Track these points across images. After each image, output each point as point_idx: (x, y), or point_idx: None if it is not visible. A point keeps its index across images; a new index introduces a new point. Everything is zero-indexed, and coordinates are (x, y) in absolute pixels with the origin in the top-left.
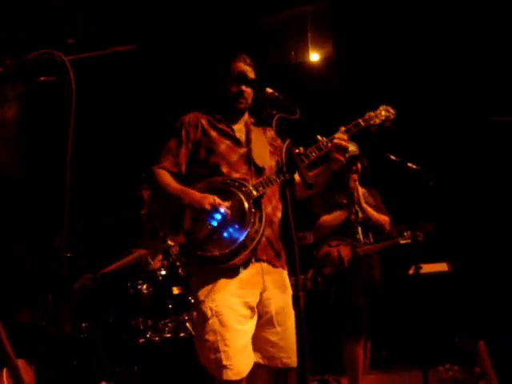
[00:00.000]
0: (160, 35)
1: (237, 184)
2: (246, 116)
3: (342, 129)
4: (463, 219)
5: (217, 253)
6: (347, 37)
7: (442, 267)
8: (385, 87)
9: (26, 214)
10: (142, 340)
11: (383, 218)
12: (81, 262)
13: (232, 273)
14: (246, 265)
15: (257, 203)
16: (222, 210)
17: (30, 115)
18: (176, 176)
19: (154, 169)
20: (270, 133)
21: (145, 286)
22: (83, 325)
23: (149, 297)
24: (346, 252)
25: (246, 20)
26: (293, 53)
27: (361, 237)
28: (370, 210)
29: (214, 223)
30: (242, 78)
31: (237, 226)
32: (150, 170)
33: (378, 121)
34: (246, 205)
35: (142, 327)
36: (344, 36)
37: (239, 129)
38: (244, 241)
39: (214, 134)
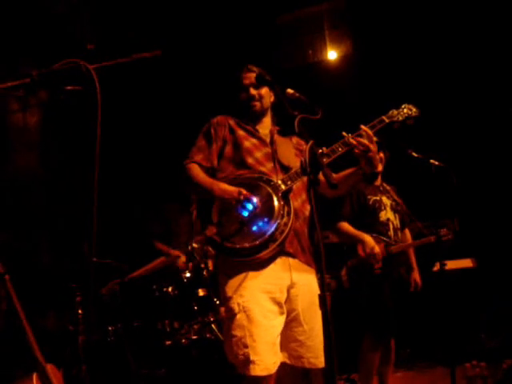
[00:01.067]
0: (181, 40)
1: (264, 178)
2: (269, 125)
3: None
4: (487, 215)
5: (247, 244)
6: (365, 34)
7: (466, 263)
8: (404, 84)
9: (49, 219)
10: (168, 342)
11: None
12: (108, 267)
13: (260, 268)
14: (273, 258)
15: (285, 197)
16: (254, 199)
17: (52, 122)
18: (207, 171)
19: (185, 163)
20: (296, 139)
21: (170, 289)
22: (110, 328)
23: (174, 299)
24: (379, 250)
25: (263, 20)
26: (311, 52)
27: (392, 234)
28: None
29: (245, 213)
30: (249, 84)
31: (266, 219)
32: (181, 166)
33: (400, 118)
34: (275, 198)
35: (168, 329)
36: (362, 33)
37: (265, 133)
38: (273, 233)
39: (241, 132)
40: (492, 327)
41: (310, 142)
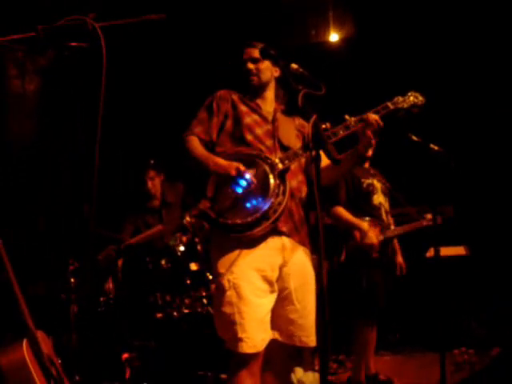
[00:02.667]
0: (186, 11)
1: (262, 156)
2: (272, 101)
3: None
4: (482, 203)
5: (238, 221)
6: (369, 18)
7: (459, 251)
8: (406, 71)
9: (46, 186)
10: (159, 315)
11: None
12: (104, 233)
13: (252, 245)
14: (266, 236)
15: (281, 176)
16: (248, 176)
17: (50, 87)
18: (206, 145)
19: (184, 136)
20: (299, 121)
21: (163, 262)
22: (101, 299)
23: (167, 272)
24: (376, 233)
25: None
26: (313, 32)
27: (385, 218)
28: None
29: (239, 190)
30: (247, 58)
31: (260, 196)
32: (181, 138)
33: (405, 105)
34: (271, 176)
35: (160, 302)
36: (365, 17)
37: (268, 111)
38: (267, 211)
39: (243, 107)
40: (481, 315)
41: (314, 117)
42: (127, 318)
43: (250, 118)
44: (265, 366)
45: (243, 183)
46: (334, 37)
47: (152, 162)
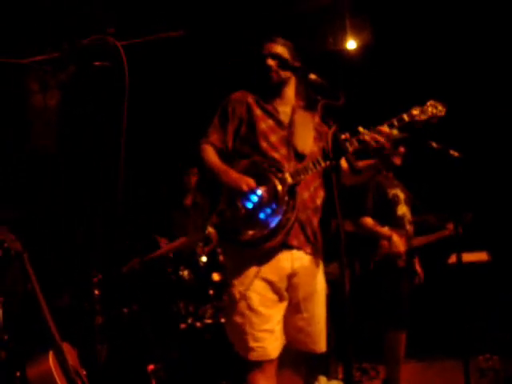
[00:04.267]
0: (202, 24)
1: (274, 169)
2: (291, 98)
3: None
4: (503, 208)
5: (247, 237)
6: (386, 25)
7: (481, 256)
8: (424, 76)
9: (67, 198)
10: (183, 325)
11: None
12: (129, 246)
13: (261, 257)
14: (275, 250)
15: (291, 190)
16: (259, 192)
17: (71, 102)
18: (221, 152)
19: (200, 143)
20: (318, 118)
21: (186, 272)
22: (125, 310)
23: (190, 283)
24: (402, 243)
25: (283, 6)
26: (331, 39)
27: (408, 228)
28: None
29: (249, 205)
30: (267, 54)
31: (269, 212)
32: (197, 143)
33: (423, 117)
34: (280, 192)
35: (183, 313)
36: (383, 24)
37: (284, 111)
38: (275, 227)
39: (258, 112)
40: (506, 321)
41: (333, 128)
42: (151, 329)
43: (264, 124)
44: (280, 368)
45: (254, 199)
46: (351, 44)
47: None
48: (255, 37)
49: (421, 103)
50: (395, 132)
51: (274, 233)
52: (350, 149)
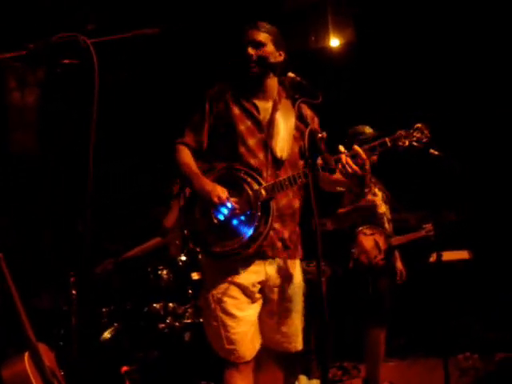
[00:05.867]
0: (181, 20)
1: (249, 180)
2: (274, 89)
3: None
4: (484, 207)
5: (218, 249)
6: (368, 22)
7: (462, 255)
8: (407, 74)
9: (44, 197)
10: (161, 325)
11: None
12: (102, 246)
13: (235, 264)
14: (248, 260)
15: (265, 205)
16: (229, 205)
17: (49, 100)
18: (197, 152)
19: (176, 143)
20: (302, 110)
21: (165, 272)
22: (103, 310)
23: (169, 282)
24: (381, 241)
25: (268, 4)
26: (313, 37)
27: (387, 226)
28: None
29: (221, 217)
30: (247, 42)
31: (241, 225)
32: (173, 143)
33: (407, 142)
34: (253, 207)
35: (162, 312)
36: (365, 21)
37: (265, 108)
38: (247, 241)
39: (236, 111)
40: (486, 319)
41: (309, 127)
42: (129, 329)
43: (243, 126)
44: (259, 368)
45: (224, 211)
46: (334, 42)
47: None
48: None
49: (403, 101)
50: (374, 158)
51: (246, 246)
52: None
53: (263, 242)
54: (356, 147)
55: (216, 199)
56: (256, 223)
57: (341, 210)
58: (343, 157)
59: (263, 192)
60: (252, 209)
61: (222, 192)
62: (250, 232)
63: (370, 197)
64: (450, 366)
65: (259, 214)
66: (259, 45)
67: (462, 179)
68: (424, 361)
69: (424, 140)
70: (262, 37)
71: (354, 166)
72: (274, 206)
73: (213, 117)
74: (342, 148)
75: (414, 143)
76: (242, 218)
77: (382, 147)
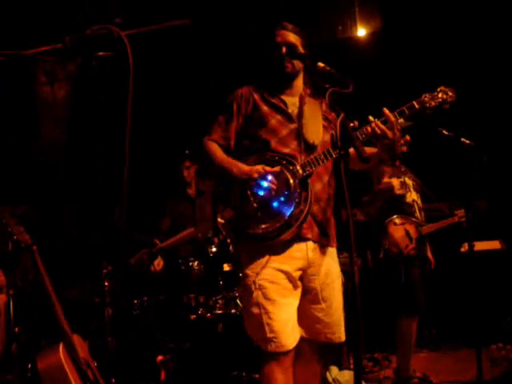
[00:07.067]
0: (211, 10)
1: (284, 162)
2: (300, 87)
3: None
4: None
5: (260, 231)
6: (395, 12)
7: (494, 245)
8: (434, 61)
9: (76, 192)
10: (193, 316)
11: None
12: (137, 237)
13: (276, 249)
14: (290, 242)
15: (303, 183)
16: (270, 177)
17: (80, 95)
18: (225, 150)
19: (204, 140)
20: (325, 106)
21: (196, 263)
22: (135, 301)
23: (200, 274)
24: (412, 230)
25: None
26: (340, 27)
27: (418, 215)
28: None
29: (261, 192)
30: (282, 42)
31: (282, 205)
32: (200, 141)
33: (433, 103)
34: (292, 184)
35: (193, 304)
36: (392, 11)
37: (293, 102)
38: (288, 220)
39: (265, 108)
40: None
41: (341, 115)
42: (161, 321)
43: (274, 120)
44: (296, 359)
45: (264, 184)
46: (361, 32)
47: (188, 152)
48: (264, 25)
49: (431, 89)
50: (401, 120)
51: (287, 226)
52: (361, 138)
53: (304, 222)
54: (385, 109)
55: (256, 174)
56: (296, 199)
57: (364, 198)
58: (372, 120)
59: (299, 169)
60: (290, 189)
61: (260, 167)
62: (290, 210)
63: (386, 179)
64: (482, 356)
65: (298, 190)
66: (291, 45)
67: (491, 168)
68: (455, 351)
69: (449, 100)
70: (292, 37)
71: (383, 126)
72: (311, 186)
73: (241, 117)
74: (371, 117)
75: (441, 105)
76: (282, 198)
77: (411, 110)
